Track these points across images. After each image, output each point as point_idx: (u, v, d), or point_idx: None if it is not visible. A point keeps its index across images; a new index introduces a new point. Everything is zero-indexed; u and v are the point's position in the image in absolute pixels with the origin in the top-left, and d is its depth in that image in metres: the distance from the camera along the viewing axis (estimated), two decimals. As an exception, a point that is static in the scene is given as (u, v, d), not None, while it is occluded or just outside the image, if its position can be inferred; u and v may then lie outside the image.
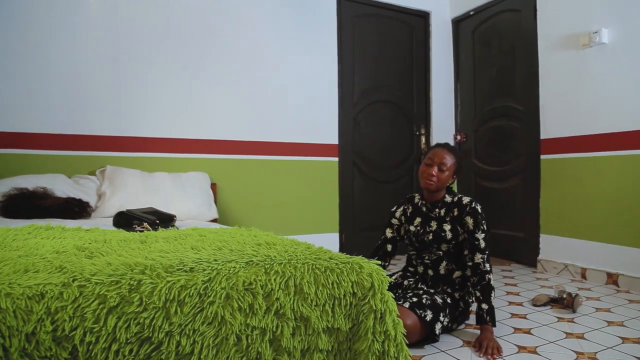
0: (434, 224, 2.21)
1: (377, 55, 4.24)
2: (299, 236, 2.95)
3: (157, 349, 1.06)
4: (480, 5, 4.17)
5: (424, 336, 1.94)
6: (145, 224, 2.07)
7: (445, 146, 2.22)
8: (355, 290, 1.29)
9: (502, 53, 4.02)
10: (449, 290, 2.18)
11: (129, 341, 1.04)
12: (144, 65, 3.23)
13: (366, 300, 1.28)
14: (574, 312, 2.42)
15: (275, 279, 1.21)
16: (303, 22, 3.82)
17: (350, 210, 4.09)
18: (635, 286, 2.87)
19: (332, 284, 1.27)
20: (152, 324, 1.06)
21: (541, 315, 2.39)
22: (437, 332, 1.93)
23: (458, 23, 4.49)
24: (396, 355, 1.28)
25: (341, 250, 3.96)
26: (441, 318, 1.97)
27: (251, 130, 3.60)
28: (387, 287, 1.32)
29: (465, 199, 2.16)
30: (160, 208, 2.52)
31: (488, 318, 1.96)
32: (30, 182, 2.60)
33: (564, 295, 2.50)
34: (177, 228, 2.06)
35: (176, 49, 3.33)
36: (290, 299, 1.21)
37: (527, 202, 3.73)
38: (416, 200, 2.34)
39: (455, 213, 2.17)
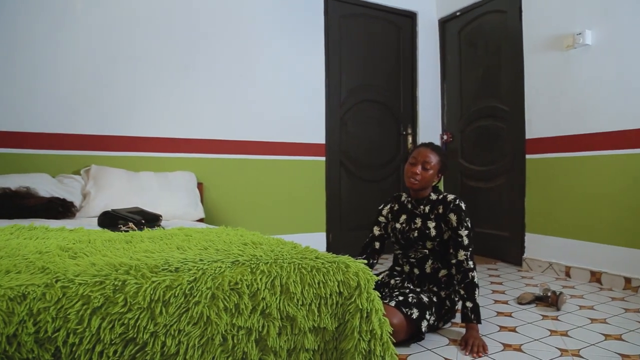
0: (418, 221, 2.23)
1: (365, 55, 4.25)
2: (286, 236, 2.95)
3: (142, 349, 1.05)
4: (467, 6, 4.20)
5: (410, 335, 1.95)
6: (131, 224, 2.05)
7: (429, 145, 2.25)
8: (342, 290, 1.29)
9: (488, 54, 4.06)
10: (435, 288, 2.19)
11: (113, 342, 1.03)
12: (130, 64, 3.20)
13: (352, 300, 1.29)
14: (558, 309, 2.45)
15: (261, 279, 1.21)
16: (290, 22, 3.82)
17: (337, 209, 4.10)
18: (618, 284, 2.91)
19: (319, 283, 1.27)
20: (137, 324, 1.05)
21: (526, 313, 2.42)
22: (423, 330, 1.95)
23: (444, 23, 4.52)
24: (382, 354, 1.29)
25: (328, 249, 3.96)
26: (427, 316, 1.99)
27: (238, 129, 3.59)
28: (373, 286, 1.33)
29: (450, 197, 2.18)
30: (146, 208, 2.49)
31: (473, 316, 1.97)
32: (13, 181, 2.56)
33: (549, 294, 2.53)
34: (163, 228, 2.05)
35: (163, 48, 3.31)
36: (276, 298, 1.21)
37: (513, 201, 3.76)
38: (403, 198, 2.36)
39: (440, 210, 2.18)
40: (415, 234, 2.21)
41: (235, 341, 1.15)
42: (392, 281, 2.29)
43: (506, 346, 1.94)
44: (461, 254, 2.08)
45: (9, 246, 1.41)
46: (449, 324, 2.24)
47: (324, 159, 4.00)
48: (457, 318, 2.24)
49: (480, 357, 1.83)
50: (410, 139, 4.43)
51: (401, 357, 1.82)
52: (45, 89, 2.95)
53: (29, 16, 2.90)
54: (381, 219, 2.39)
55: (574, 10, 3.24)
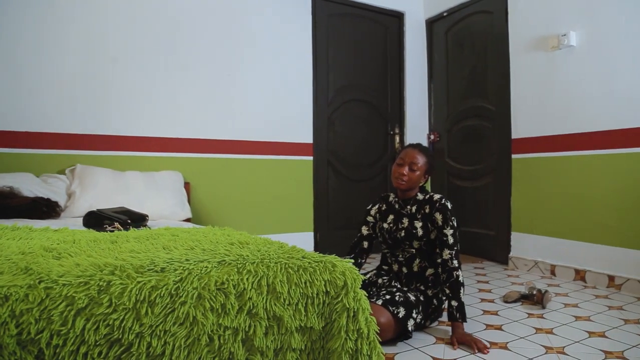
0: (405, 221, 2.24)
1: (352, 54, 4.26)
2: (274, 235, 2.95)
3: (127, 350, 1.04)
4: (454, 6, 4.23)
5: (397, 334, 1.95)
6: (117, 224, 2.03)
7: (416, 146, 2.27)
8: (328, 289, 1.29)
9: (475, 54, 4.09)
10: (422, 287, 2.20)
11: (97, 343, 1.02)
12: (117, 63, 3.17)
13: (339, 299, 1.29)
14: (544, 307, 2.47)
15: (247, 279, 1.20)
16: (278, 21, 3.81)
17: (325, 209, 4.10)
18: (601, 282, 2.95)
19: (305, 283, 1.27)
20: (122, 325, 1.04)
21: (512, 311, 2.44)
22: (410, 329, 1.95)
23: (432, 24, 4.54)
24: (369, 353, 1.29)
25: (316, 249, 3.97)
26: (414, 315, 2.00)
27: (225, 128, 3.57)
28: (360, 286, 1.33)
29: (436, 196, 2.20)
30: (132, 207, 2.47)
31: (458, 315, 1.99)
32: (-5, 181, 2.52)
33: (534, 292, 2.56)
34: (150, 228, 2.03)
35: (149, 47, 3.28)
36: (262, 298, 1.21)
37: (499, 200, 3.80)
38: (390, 198, 2.38)
39: (427, 210, 2.20)
40: (402, 234, 2.22)
41: (221, 341, 1.14)
42: (380, 280, 2.30)
43: (492, 344, 1.96)
44: (446, 253, 2.09)
45: (-8, 247, 1.39)
46: (436, 323, 2.26)
47: (311, 158, 4.00)
48: (445, 317, 2.26)
49: (487, 352, 1.85)
50: (397, 138, 4.45)
51: (388, 356, 1.83)
52: (29, 87, 2.91)
53: (11, 16, 2.86)
54: (369, 218, 2.40)
55: (559, 12, 3.27)
